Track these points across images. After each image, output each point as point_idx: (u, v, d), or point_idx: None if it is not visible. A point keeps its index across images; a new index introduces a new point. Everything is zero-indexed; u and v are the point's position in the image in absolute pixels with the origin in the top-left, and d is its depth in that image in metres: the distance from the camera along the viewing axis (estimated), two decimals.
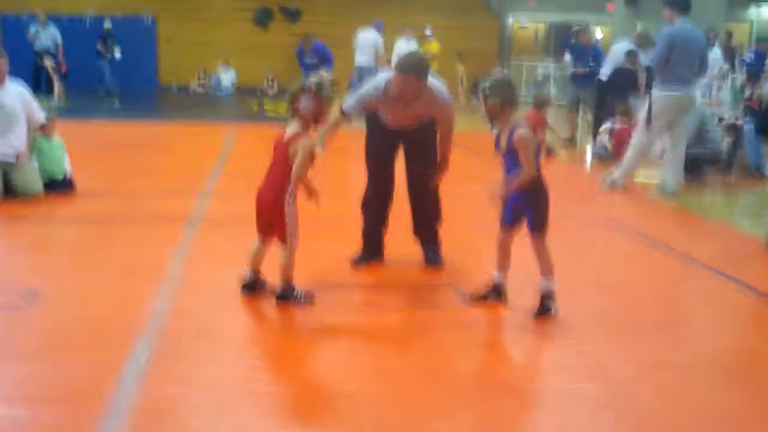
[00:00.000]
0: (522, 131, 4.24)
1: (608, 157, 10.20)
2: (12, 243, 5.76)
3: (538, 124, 10.62)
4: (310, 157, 4.21)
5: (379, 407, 3.21)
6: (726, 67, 11.09)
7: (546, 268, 4.36)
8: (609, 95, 11.04)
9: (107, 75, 18.20)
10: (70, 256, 5.34)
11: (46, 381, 3.39)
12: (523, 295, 4.52)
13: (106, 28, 18.24)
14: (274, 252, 4.29)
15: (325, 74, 4.29)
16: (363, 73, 14.98)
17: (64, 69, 16.40)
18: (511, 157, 4.27)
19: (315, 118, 4.27)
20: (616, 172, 8.50)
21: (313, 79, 4.22)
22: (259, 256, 4.39)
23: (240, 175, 8.71)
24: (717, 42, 12.79)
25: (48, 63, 16.16)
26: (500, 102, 4.24)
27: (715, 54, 11.53)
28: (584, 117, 12.62)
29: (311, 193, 4.25)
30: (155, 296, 4.42)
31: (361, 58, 15.03)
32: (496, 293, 4.48)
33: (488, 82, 4.29)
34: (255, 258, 4.38)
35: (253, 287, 4.41)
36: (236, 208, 6.95)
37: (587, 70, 11.85)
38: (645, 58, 10.76)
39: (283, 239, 4.23)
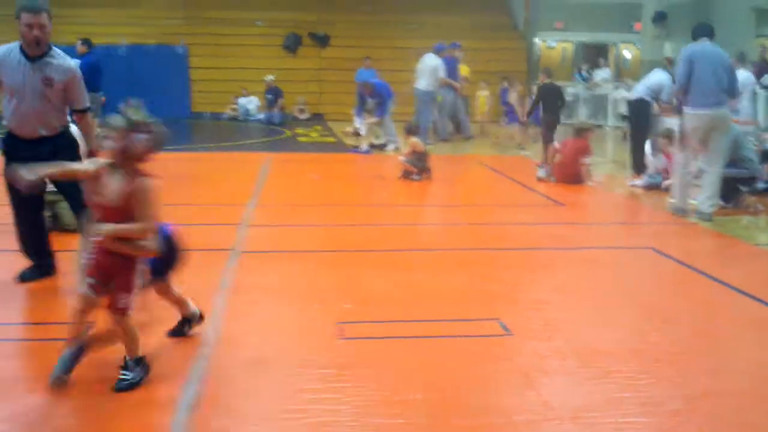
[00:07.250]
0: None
1: (656, 183, 10.08)
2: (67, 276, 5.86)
3: (580, 152, 10.58)
4: None
5: None
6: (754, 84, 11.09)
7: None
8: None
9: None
10: None
11: (99, 410, 3.47)
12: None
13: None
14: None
15: None
16: (420, 96, 15.11)
17: (103, 99, 16.69)
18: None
19: None
20: (674, 198, 8.52)
21: None
22: None
23: (276, 206, 8.83)
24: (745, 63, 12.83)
25: None
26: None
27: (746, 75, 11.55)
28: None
29: None
30: (203, 326, 4.51)
31: (421, 82, 15.11)
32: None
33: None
34: None
35: None
36: (275, 238, 7.08)
37: None
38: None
39: None
